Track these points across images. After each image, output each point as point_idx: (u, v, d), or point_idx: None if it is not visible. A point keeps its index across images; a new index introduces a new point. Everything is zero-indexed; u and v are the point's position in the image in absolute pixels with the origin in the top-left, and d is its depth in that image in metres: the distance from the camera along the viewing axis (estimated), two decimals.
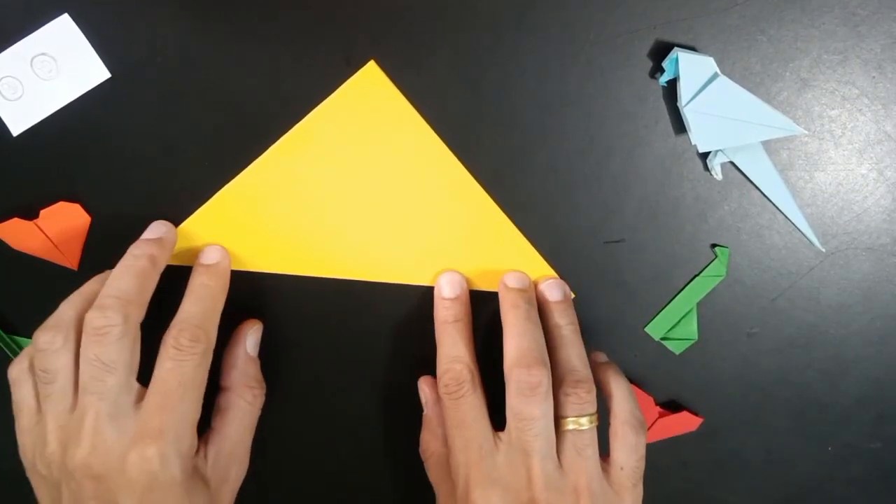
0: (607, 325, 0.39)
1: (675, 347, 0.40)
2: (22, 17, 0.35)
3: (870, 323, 0.39)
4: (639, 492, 0.35)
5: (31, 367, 0.34)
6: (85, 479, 0.31)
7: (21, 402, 0.34)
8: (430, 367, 0.37)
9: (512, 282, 0.37)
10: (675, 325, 0.39)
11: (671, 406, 0.41)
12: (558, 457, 0.34)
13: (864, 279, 0.38)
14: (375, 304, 0.39)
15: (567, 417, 0.34)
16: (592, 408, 0.34)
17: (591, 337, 0.39)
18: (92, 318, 0.32)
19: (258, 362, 0.38)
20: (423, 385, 0.39)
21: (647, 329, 0.39)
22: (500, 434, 0.34)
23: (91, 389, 0.32)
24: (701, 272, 0.39)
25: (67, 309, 0.33)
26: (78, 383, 0.32)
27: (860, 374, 0.40)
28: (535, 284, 0.38)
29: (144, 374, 0.33)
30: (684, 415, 0.40)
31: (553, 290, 0.37)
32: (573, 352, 0.35)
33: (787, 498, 0.42)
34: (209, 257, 0.36)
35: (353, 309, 0.39)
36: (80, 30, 0.36)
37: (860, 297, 0.39)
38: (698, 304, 0.39)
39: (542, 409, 0.33)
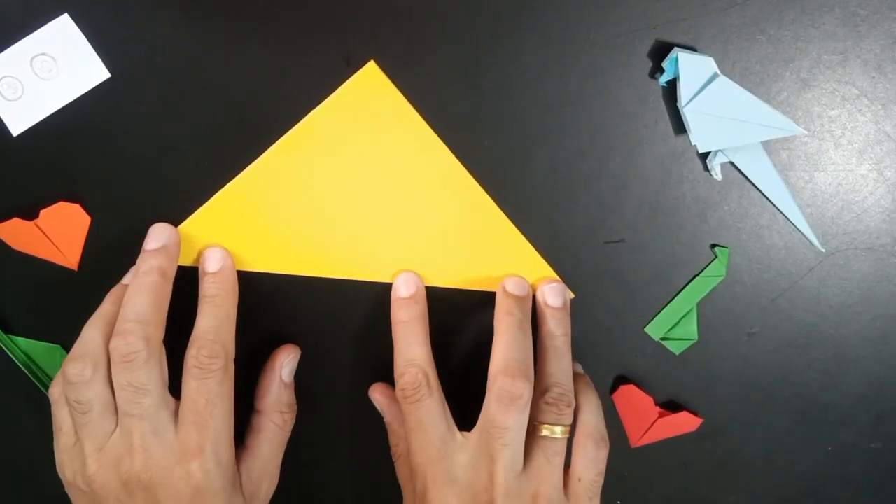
0: (607, 325, 0.39)
1: (675, 347, 0.40)
2: (22, 17, 0.35)
3: (870, 323, 0.39)
4: None
5: (64, 394, 0.34)
6: (137, 490, 0.33)
7: (60, 423, 0.35)
8: (438, 368, 0.37)
9: (511, 287, 0.37)
10: (674, 326, 0.39)
11: (671, 406, 0.41)
12: (526, 460, 0.34)
13: (864, 279, 0.38)
14: (375, 304, 0.39)
15: (543, 424, 0.34)
16: (568, 420, 0.35)
17: (591, 337, 0.39)
18: (117, 346, 0.33)
19: (292, 387, 0.39)
20: (374, 393, 0.40)
21: (647, 329, 0.39)
22: (467, 434, 0.35)
23: (130, 412, 0.33)
24: (701, 272, 0.39)
25: (91, 335, 0.34)
26: (116, 407, 0.33)
27: (860, 374, 0.40)
28: (537, 285, 0.38)
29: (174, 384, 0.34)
30: (684, 415, 0.40)
31: (554, 294, 0.37)
32: (561, 365, 0.36)
33: (787, 498, 0.42)
34: (212, 264, 0.36)
35: (353, 309, 0.39)
36: (80, 30, 0.36)
37: (860, 297, 0.39)
38: (698, 305, 0.39)
39: (517, 421, 0.33)
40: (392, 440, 0.39)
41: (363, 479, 0.42)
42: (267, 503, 0.38)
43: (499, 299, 0.37)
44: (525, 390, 0.33)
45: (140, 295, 0.34)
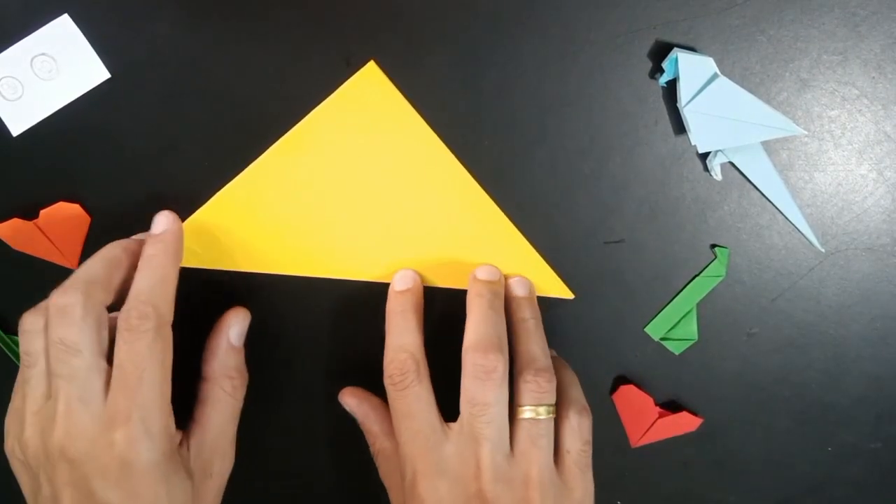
0: (607, 325, 0.39)
1: (675, 348, 0.40)
2: (22, 17, 0.35)
3: (870, 323, 0.39)
4: (588, 479, 0.35)
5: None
6: (60, 463, 0.31)
7: (17, 382, 0.34)
8: (432, 368, 0.37)
9: (481, 273, 0.37)
10: (674, 326, 0.39)
11: (671, 406, 0.41)
12: (511, 445, 0.34)
13: (864, 279, 0.38)
14: (374, 304, 0.39)
15: (525, 406, 0.34)
16: (552, 398, 0.34)
17: (591, 337, 0.39)
18: (53, 297, 0.31)
19: (242, 352, 0.37)
20: (343, 397, 0.39)
21: (646, 329, 0.39)
22: (452, 424, 0.34)
23: (59, 373, 0.31)
24: (701, 272, 0.39)
25: (53, 293, 0.33)
26: None
27: (860, 374, 0.40)
28: (505, 279, 0.38)
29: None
30: (684, 415, 0.40)
31: (519, 286, 0.37)
32: (535, 342, 0.35)
33: (787, 498, 0.42)
34: (157, 227, 0.35)
35: (352, 309, 0.39)
36: (80, 30, 0.36)
37: (860, 297, 0.39)
38: (698, 305, 0.39)
39: (495, 396, 0.33)
40: (369, 439, 0.38)
41: (363, 479, 0.42)
42: (222, 482, 0.35)
43: (469, 286, 0.37)
44: (499, 362, 0.33)
45: (94, 261, 0.33)
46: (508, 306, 0.37)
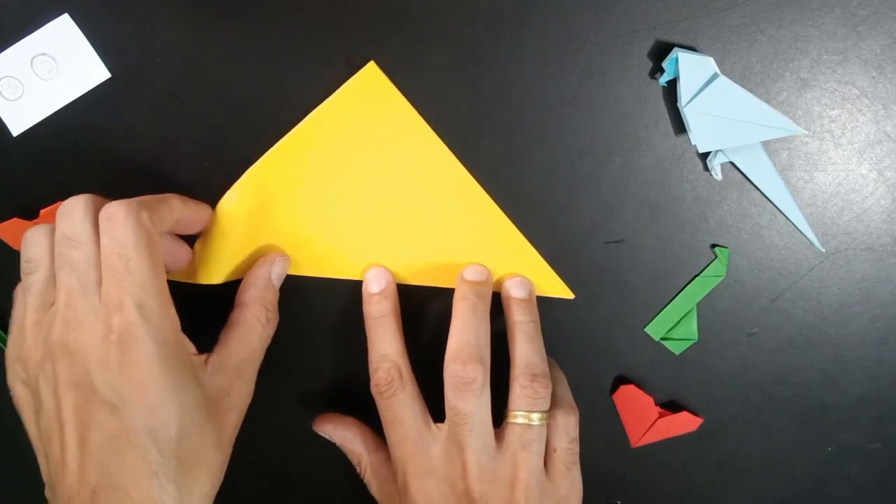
0: (607, 325, 0.39)
1: (675, 347, 0.40)
2: (22, 17, 0.35)
3: (870, 323, 0.39)
4: (575, 476, 0.36)
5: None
6: (61, 359, 0.30)
7: (13, 316, 0.33)
8: (432, 367, 0.37)
9: (468, 274, 0.37)
10: (675, 326, 0.39)
11: (671, 406, 0.41)
12: (501, 444, 0.34)
13: (864, 279, 0.38)
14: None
15: (518, 411, 0.34)
16: (546, 405, 0.35)
17: (591, 337, 0.39)
18: (63, 204, 0.32)
19: (277, 292, 0.36)
20: (318, 426, 0.39)
21: (647, 329, 0.39)
22: (441, 425, 0.35)
23: (61, 265, 0.31)
24: (701, 272, 0.39)
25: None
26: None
27: (860, 374, 0.40)
28: (502, 280, 0.38)
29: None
30: (684, 415, 0.40)
31: (517, 287, 0.37)
32: (533, 347, 0.36)
33: (787, 498, 0.42)
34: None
35: (353, 309, 0.39)
36: (80, 30, 0.36)
37: (860, 297, 0.39)
38: (698, 305, 0.39)
39: (475, 405, 0.34)
40: (353, 460, 0.39)
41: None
42: (240, 413, 0.34)
43: (457, 285, 0.37)
44: (478, 373, 0.33)
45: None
46: (507, 308, 0.37)
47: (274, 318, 0.36)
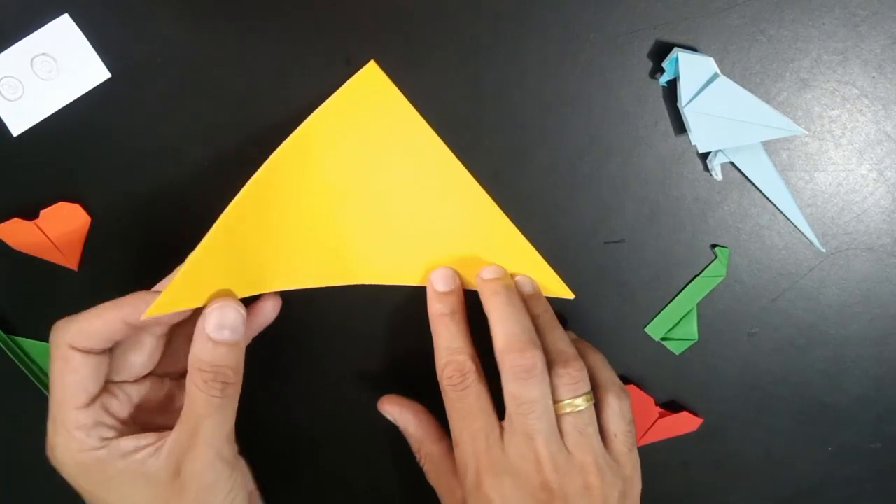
0: (607, 325, 0.39)
1: (676, 348, 0.40)
2: (22, 17, 0.35)
3: (870, 323, 0.39)
4: (635, 456, 0.36)
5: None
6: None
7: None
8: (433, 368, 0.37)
9: (488, 273, 0.37)
10: (675, 326, 0.39)
11: (671, 406, 0.41)
12: (561, 437, 0.34)
13: (864, 279, 0.38)
14: (377, 306, 0.39)
15: (563, 401, 0.34)
16: (586, 386, 0.34)
17: (591, 337, 0.39)
18: None
19: (224, 347, 0.32)
20: (384, 406, 0.39)
21: (647, 329, 0.39)
22: (502, 423, 0.35)
23: None
24: (701, 272, 0.39)
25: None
26: None
27: (860, 374, 0.40)
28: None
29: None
30: (684, 415, 0.40)
31: (525, 285, 0.37)
32: (556, 335, 0.36)
33: (787, 498, 0.42)
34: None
35: (354, 312, 0.39)
36: (80, 30, 0.36)
37: (860, 297, 0.39)
38: (698, 305, 0.39)
39: (540, 391, 0.33)
40: (413, 445, 0.38)
41: (365, 480, 0.42)
42: (205, 495, 0.33)
43: (480, 287, 0.37)
44: (537, 358, 0.33)
45: None
46: None
47: (216, 381, 0.32)
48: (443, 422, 0.37)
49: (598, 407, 0.35)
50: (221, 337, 0.33)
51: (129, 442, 0.33)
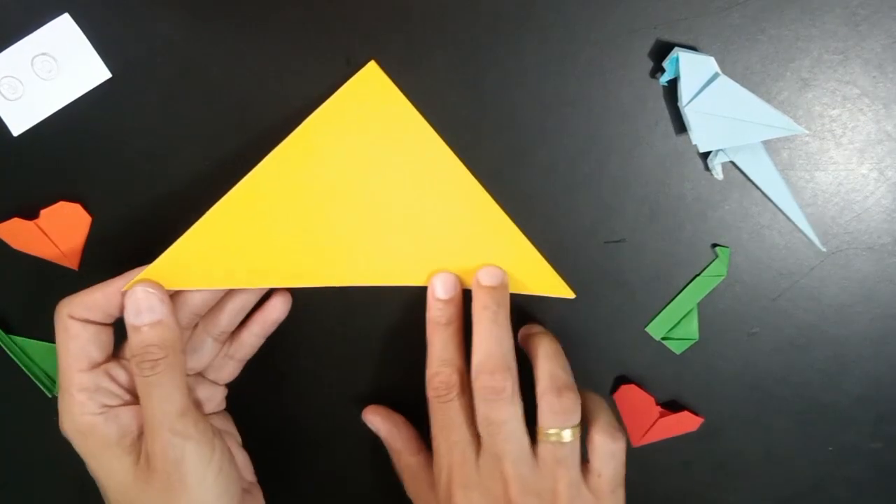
0: (608, 324, 0.39)
1: (676, 347, 0.40)
2: (22, 17, 0.35)
3: (870, 323, 0.39)
4: (619, 496, 0.35)
5: None
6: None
7: None
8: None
9: (485, 279, 0.36)
10: (675, 325, 0.39)
11: (672, 406, 0.41)
12: (538, 460, 0.34)
13: (865, 279, 0.38)
14: (377, 307, 0.39)
15: (549, 429, 0.34)
16: (576, 418, 0.34)
17: (591, 337, 0.39)
18: None
19: (145, 331, 0.33)
20: (367, 415, 0.40)
21: (647, 329, 0.39)
22: (481, 439, 0.35)
23: None
24: (701, 272, 0.38)
25: None
26: None
27: (860, 374, 0.40)
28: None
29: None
30: (684, 415, 0.40)
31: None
32: (555, 361, 0.36)
33: (787, 498, 0.42)
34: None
35: (354, 312, 0.39)
36: (80, 30, 0.36)
37: (860, 297, 0.39)
38: (699, 304, 0.39)
39: (509, 413, 0.34)
40: (393, 456, 0.39)
41: (360, 482, 0.42)
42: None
43: (474, 292, 0.36)
44: (507, 381, 0.33)
45: None
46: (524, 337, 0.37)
47: (148, 361, 0.32)
48: (427, 434, 0.37)
49: (588, 446, 0.35)
50: (142, 321, 0.33)
51: (127, 413, 0.33)
